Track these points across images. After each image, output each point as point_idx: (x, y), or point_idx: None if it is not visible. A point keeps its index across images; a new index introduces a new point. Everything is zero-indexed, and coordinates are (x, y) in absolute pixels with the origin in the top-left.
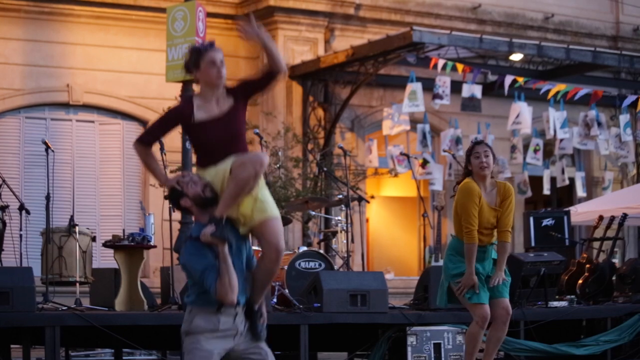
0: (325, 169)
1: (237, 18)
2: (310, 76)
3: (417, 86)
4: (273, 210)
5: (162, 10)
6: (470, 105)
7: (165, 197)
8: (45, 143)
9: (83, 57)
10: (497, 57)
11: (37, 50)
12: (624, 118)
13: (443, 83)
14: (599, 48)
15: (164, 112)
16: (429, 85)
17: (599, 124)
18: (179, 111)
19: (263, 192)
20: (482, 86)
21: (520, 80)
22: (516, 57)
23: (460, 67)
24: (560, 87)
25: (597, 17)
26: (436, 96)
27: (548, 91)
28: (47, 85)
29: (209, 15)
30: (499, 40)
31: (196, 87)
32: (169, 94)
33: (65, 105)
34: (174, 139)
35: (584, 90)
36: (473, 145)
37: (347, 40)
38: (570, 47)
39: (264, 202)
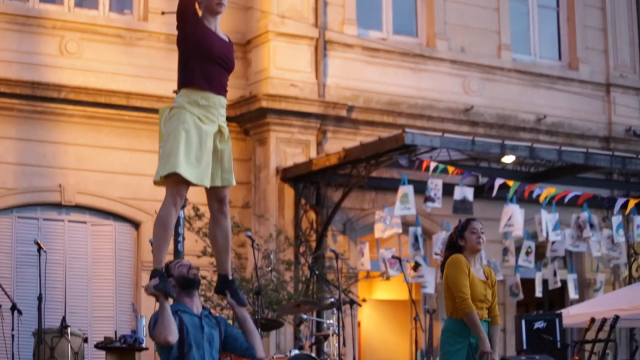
0: (317, 272)
1: (229, 120)
2: (303, 179)
3: (408, 189)
4: (233, 179)
5: (155, 111)
6: (462, 207)
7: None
8: (37, 243)
9: (75, 157)
10: (489, 159)
11: (30, 150)
12: (616, 219)
13: (435, 186)
14: (592, 149)
15: None
16: (420, 188)
17: (591, 226)
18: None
19: (230, 158)
20: (474, 188)
21: (511, 184)
22: (508, 159)
23: (451, 169)
24: (551, 190)
25: (589, 118)
26: (428, 199)
27: (539, 194)
28: (39, 185)
29: None
30: (490, 142)
31: None
32: (161, 196)
33: (58, 206)
34: None
35: (573, 193)
36: (468, 221)
37: (339, 142)
38: (563, 148)
39: (230, 172)
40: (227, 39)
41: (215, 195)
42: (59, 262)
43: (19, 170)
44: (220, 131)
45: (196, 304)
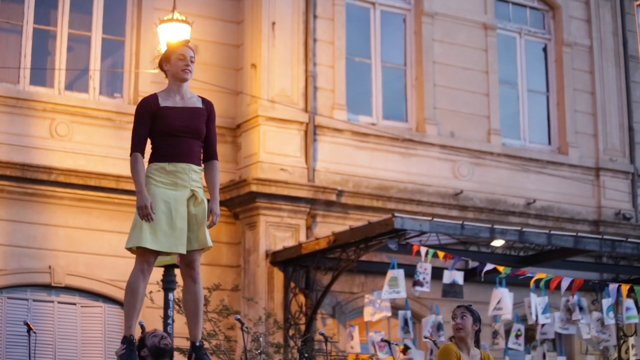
0: (306, 355)
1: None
2: (292, 262)
3: (398, 273)
4: (208, 240)
5: None
6: (451, 291)
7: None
8: (27, 324)
9: (65, 239)
10: (479, 243)
11: (20, 231)
12: (606, 302)
13: (424, 270)
14: (581, 233)
15: (134, 117)
16: (410, 271)
17: (581, 309)
18: (145, 101)
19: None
20: (464, 272)
21: (501, 269)
22: (497, 243)
23: (441, 254)
24: (541, 275)
25: (579, 202)
26: (416, 283)
27: (529, 278)
28: (29, 266)
29: None
30: (480, 226)
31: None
32: (152, 279)
33: (47, 287)
34: None
35: (564, 280)
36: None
37: (328, 227)
38: (552, 232)
39: (204, 234)
40: (195, 103)
41: (185, 260)
42: (48, 343)
43: (9, 251)
44: (193, 195)
45: None
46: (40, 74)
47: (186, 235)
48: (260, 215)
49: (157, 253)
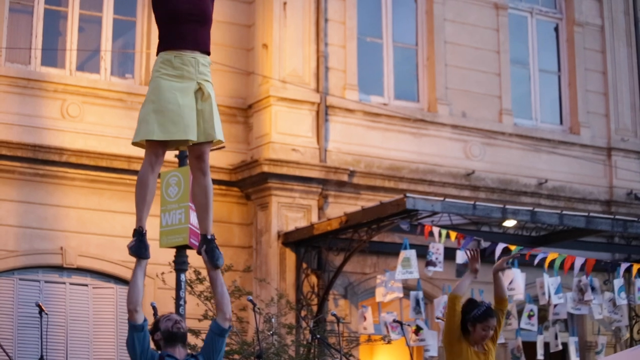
0: (318, 336)
1: (230, 184)
2: (304, 243)
3: (410, 253)
4: (216, 134)
5: None
6: (464, 271)
7: None
8: (38, 305)
9: (77, 221)
10: (491, 224)
11: (31, 212)
12: (618, 282)
13: (436, 250)
14: (593, 213)
15: None
16: (422, 252)
17: (593, 289)
18: None
19: (212, 114)
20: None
21: (513, 248)
22: (509, 223)
23: (453, 234)
24: (554, 255)
25: (590, 182)
26: (429, 263)
27: (542, 259)
28: (40, 247)
29: None
30: (492, 207)
31: None
32: (163, 259)
33: (59, 268)
34: None
35: (578, 260)
36: (487, 314)
37: (340, 207)
38: (564, 212)
39: (212, 128)
40: None
41: (193, 152)
42: (60, 325)
43: (21, 232)
44: (200, 89)
45: (179, 353)
46: (52, 55)
47: (195, 123)
48: (272, 195)
49: (166, 145)
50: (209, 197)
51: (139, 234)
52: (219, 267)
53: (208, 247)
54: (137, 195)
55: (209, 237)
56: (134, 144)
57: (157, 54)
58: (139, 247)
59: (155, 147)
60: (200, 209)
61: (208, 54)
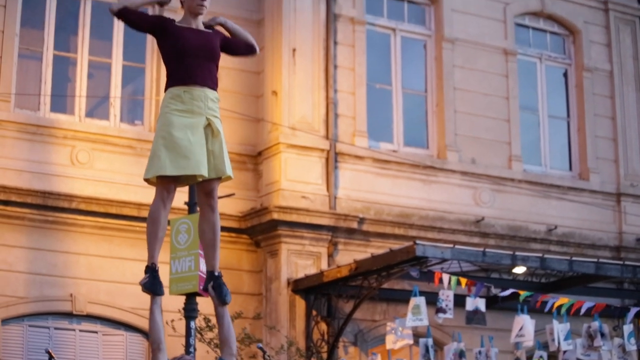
0: None
1: (240, 231)
2: (314, 290)
3: (420, 300)
4: (226, 169)
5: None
6: (475, 318)
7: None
8: (48, 352)
9: (86, 267)
10: (500, 270)
11: (41, 259)
12: (627, 328)
13: (446, 297)
14: (602, 259)
15: None
16: (432, 299)
17: (602, 335)
18: (161, 17)
19: (221, 150)
20: (486, 299)
21: (522, 293)
22: (519, 270)
23: (463, 281)
24: (563, 300)
25: (600, 228)
26: (440, 310)
27: (551, 305)
28: (50, 294)
29: None
30: (502, 253)
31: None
32: (173, 307)
33: (69, 315)
34: None
35: (586, 304)
36: None
37: (350, 254)
38: (573, 258)
39: (222, 163)
40: (210, 31)
41: (203, 188)
42: None
43: (30, 279)
44: (209, 125)
45: None
46: (61, 101)
47: (206, 159)
48: (281, 243)
49: (177, 180)
50: (216, 234)
51: (152, 270)
52: (227, 303)
53: (215, 284)
54: (148, 232)
55: (216, 273)
56: (146, 180)
57: (165, 90)
58: (152, 284)
59: (167, 183)
60: (207, 246)
61: (216, 90)
